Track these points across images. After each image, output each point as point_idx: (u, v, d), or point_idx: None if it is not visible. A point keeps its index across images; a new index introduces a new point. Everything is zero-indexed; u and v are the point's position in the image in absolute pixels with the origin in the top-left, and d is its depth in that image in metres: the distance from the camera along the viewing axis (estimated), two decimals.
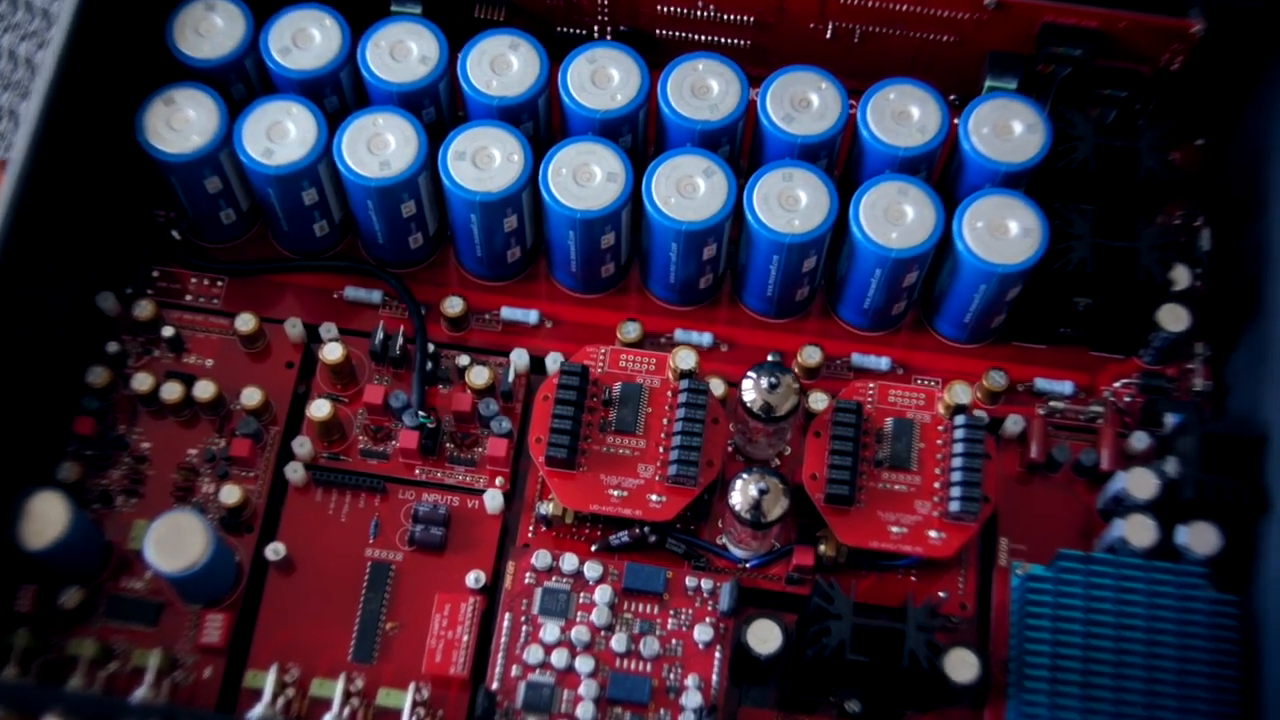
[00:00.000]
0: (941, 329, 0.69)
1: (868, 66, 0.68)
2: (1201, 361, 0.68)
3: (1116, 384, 0.68)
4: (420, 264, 0.70)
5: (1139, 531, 0.62)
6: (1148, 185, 0.65)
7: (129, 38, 0.67)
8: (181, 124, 0.65)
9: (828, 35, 0.70)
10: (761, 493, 0.60)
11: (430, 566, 0.64)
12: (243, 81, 0.67)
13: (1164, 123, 0.66)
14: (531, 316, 0.69)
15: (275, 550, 0.63)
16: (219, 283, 0.70)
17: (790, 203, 0.64)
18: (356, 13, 0.67)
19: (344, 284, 0.69)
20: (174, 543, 0.60)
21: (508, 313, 0.69)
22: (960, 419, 0.62)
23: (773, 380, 0.61)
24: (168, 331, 0.67)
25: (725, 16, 0.70)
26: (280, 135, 0.65)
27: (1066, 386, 0.68)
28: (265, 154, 0.64)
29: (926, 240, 0.63)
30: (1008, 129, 0.65)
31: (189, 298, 0.69)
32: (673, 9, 0.70)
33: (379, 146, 0.64)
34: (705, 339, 0.69)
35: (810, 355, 0.67)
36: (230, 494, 0.64)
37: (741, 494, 0.60)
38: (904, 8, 0.68)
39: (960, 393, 0.63)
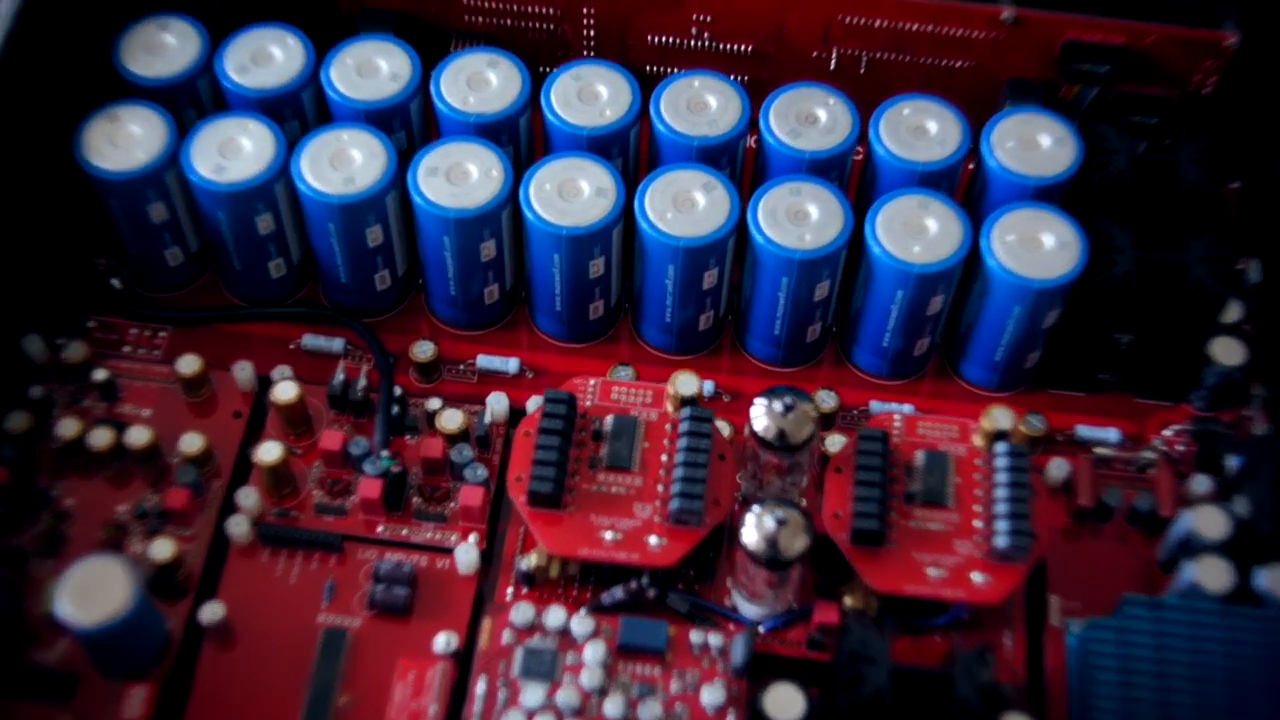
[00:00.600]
0: (969, 373, 0.62)
1: (876, 99, 0.62)
2: (1260, 405, 0.61)
3: (1167, 432, 0.61)
4: (388, 311, 0.63)
5: (1213, 574, 0.54)
6: (1192, 200, 0.59)
7: (72, 56, 0.61)
8: (125, 140, 0.58)
9: (832, 66, 0.65)
10: (779, 524, 0.52)
11: (393, 633, 0.55)
12: (195, 106, 0.61)
13: (1202, 137, 0.60)
14: (511, 365, 0.62)
15: (212, 611, 0.54)
16: (161, 333, 0.62)
17: (800, 218, 0.58)
18: (323, 35, 0.62)
19: (301, 333, 0.62)
20: (92, 592, 0.51)
21: (484, 361, 0.62)
22: (1001, 446, 0.55)
23: (787, 403, 0.54)
24: (100, 375, 0.59)
25: (721, 46, 0.65)
26: (234, 152, 0.58)
27: (1112, 434, 0.61)
28: (216, 170, 0.58)
29: (953, 255, 0.57)
30: (1034, 143, 0.60)
31: (127, 349, 0.62)
32: (664, 39, 0.65)
33: (343, 163, 0.58)
34: (706, 388, 0.61)
35: (825, 400, 0.60)
36: (162, 549, 0.55)
37: (756, 528, 0.52)
38: (914, 27, 0.63)
39: (1000, 418, 0.55)
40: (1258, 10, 0.61)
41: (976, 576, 0.53)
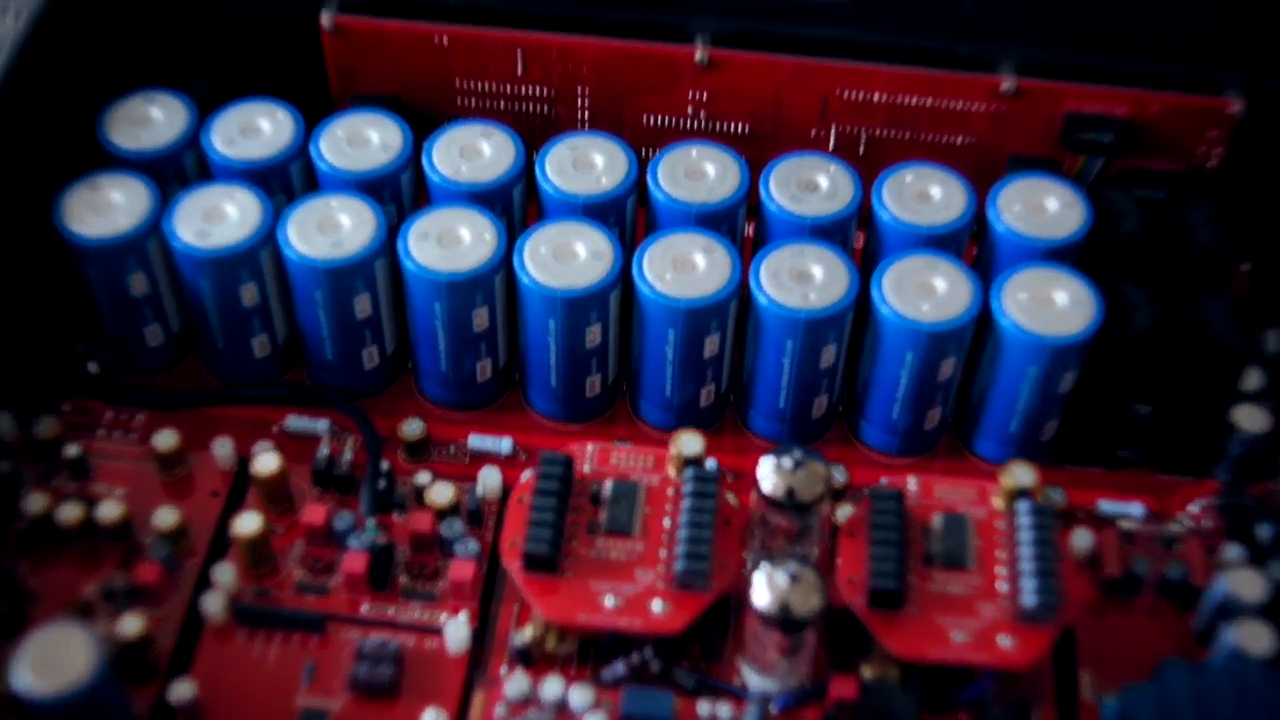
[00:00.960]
0: (983, 449, 0.59)
1: (875, 178, 0.61)
2: None
3: (1193, 507, 0.58)
4: (376, 393, 0.61)
5: (1254, 637, 0.50)
6: (1206, 261, 0.57)
7: (56, 132, 0.60)
8: (106, 207, 0.57)
9: (830, 145, 0.64)
10: (792, 579, 0.48)
11: (377, 715, 0.51)
12: (180, 180, 0.60)
13: (1212, 199, 0.59)
14: (504, 445, 0.59)
15: (181, 691, 0.50)
16: (138, 416, 0.60)
17: (804, 278, 0.56)
18: (315, 110, 0.61)
19: (285, 415, 0.60)
20: (52, 661, 0.47)
21: (476, 441, 0.59)
22: (1024, 504, 0.52)
23: (796, 459, 0.51)
24: (71, 451, 0.56)
25: (717, 126, 0.64)
26: (218, 218, 0.56)
27: (1135, 508, 0.58)
28: (200, 236, 0.56)
29: (964, 313, 0.55)
30: (1041, 206, 0.58)
31: (102, 431, 0.59)
32: (660, 119, 0.64)
33: (330, 228, 0.56)
34: (709, 467, 0.58)
35: (834, 476, 0.57)
36: (130, 625, 0.51)
37: (767, 586, 0.48)
38: (913, 100, 0.62)
39: (1021, 475, 0.52)
40: (1260, 76, 0.60)
41: (1004, 640, 0.50)
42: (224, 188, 0.57)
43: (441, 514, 0.55)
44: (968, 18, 0.61)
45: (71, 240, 0.56)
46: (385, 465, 0.57)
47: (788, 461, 0.51)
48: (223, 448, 0.57)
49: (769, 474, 0.51)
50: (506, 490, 0.57)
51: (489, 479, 0.56)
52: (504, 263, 0.56)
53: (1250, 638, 0.50)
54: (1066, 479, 0.59)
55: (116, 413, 0.59)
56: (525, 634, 0.52)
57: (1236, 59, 0.61)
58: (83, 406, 0.60)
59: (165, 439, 0.57)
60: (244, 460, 0.58)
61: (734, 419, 0.61)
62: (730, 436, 0.60)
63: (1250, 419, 0.57)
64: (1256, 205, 0.63)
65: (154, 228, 0.57)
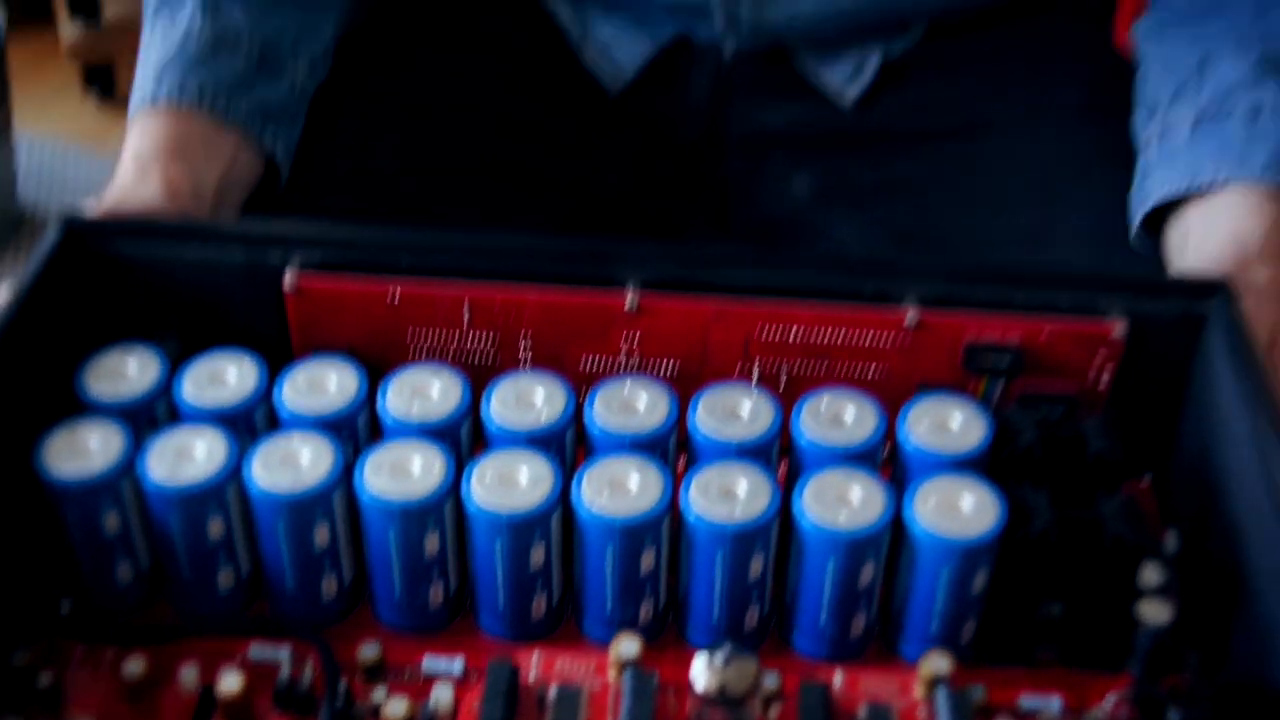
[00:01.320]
0: (907, 652, 0.63)
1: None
2: (1195, 669, 0.62)
3: (1107, 701, 0.61)
4: (334, 623, 0.64)
5: None
6: (1100, 469, 0.62)
7: (37, 386, 0.65)
8: (82, 451, 0.61)
9: (754, 381, 0.70)
10: None
11: None
12: (152, 426, 0.64)
13: (1103, 413, 0.64)
14: (456, 667, 0.62)
15: None
16: (107, 652, 0.63)
17: (729, 495, 0.60)
18: (278, 359, 0.66)
19: (248, 644, 0.63)
20: None
21: (429, 663, 0.62)
22: (941, 691, 0.55)
23: (726, 655, 0.55)
24: (44, 680, 0.59)
25: (649, 365, 0.70)
26: (187, 457, 0.61)
27: (1054, 702, 0.61)
28: (170, 474, 0.60)
29: (878, 520, 0.59)
30: (945, 423, 0.63)
31: (72, 670, 0.62)
32: (595, 359, 0.70)
33: (291, 464, 0.61)
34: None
35: (765, 681, 0.60)
36: None
37: None
38: (827, 333, 0.68)
39: (939, 663, 0.56)
40: (1140, 301, 0.66)
41: None
42: (193, 428, 0.62)
43: None
44: (871, 258, 0.67)
45: (49, 482, 0.60)
46: (343, 686, 0.60)
47: (719, 658, 0.55)
48: (188, 674, 0.60)
49: (701, 671, 0.55)
50: (458, 706, 0.60)
51: (441, 695, 0.59)
52: (453, 490, 0.61)
53: None
54: (988, 678, 0.62)
55: (87, 649, 0.63)
56: None
57: (1117, 286, 0.67)
58: (53, 643, 0.63)
59: (134, 668, 0.60)
60: (208, 686, 0.61)
61: (675, 634, 0.64)
62: (671, 651, 0.64)
63: (1155, 613, 0.61)
64: (1149, 418, 0.69)
65: (127, 469, 0.61)
